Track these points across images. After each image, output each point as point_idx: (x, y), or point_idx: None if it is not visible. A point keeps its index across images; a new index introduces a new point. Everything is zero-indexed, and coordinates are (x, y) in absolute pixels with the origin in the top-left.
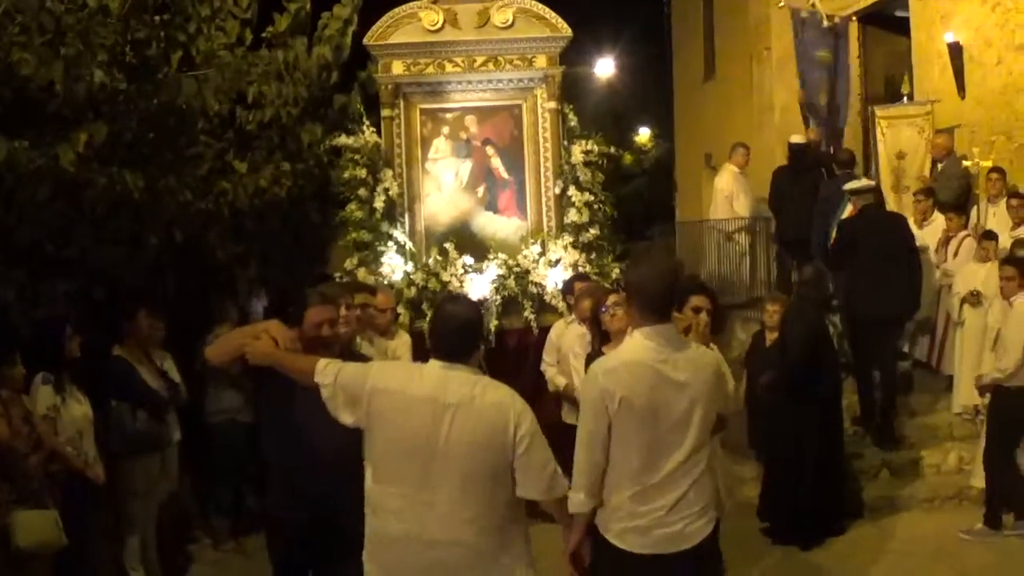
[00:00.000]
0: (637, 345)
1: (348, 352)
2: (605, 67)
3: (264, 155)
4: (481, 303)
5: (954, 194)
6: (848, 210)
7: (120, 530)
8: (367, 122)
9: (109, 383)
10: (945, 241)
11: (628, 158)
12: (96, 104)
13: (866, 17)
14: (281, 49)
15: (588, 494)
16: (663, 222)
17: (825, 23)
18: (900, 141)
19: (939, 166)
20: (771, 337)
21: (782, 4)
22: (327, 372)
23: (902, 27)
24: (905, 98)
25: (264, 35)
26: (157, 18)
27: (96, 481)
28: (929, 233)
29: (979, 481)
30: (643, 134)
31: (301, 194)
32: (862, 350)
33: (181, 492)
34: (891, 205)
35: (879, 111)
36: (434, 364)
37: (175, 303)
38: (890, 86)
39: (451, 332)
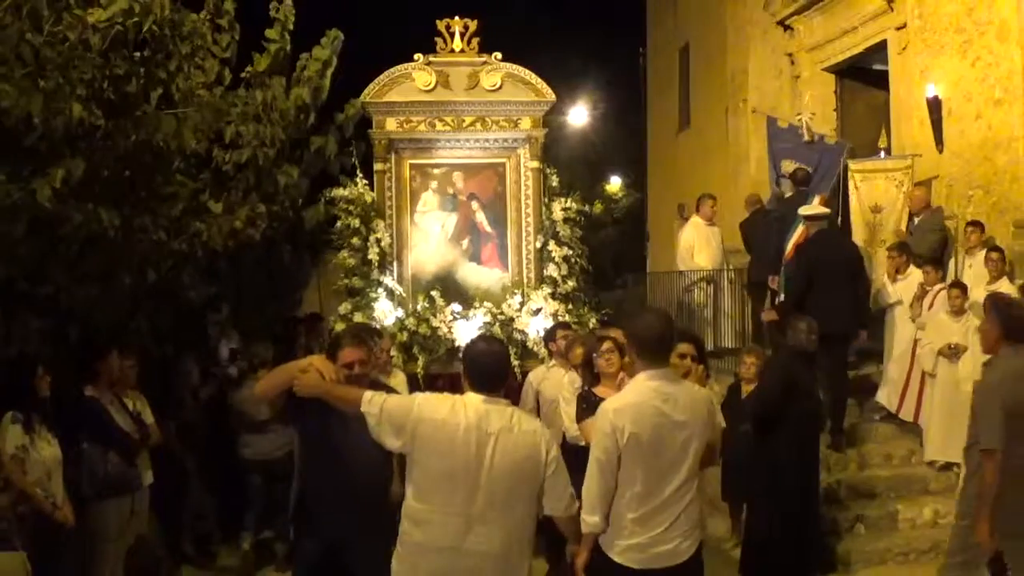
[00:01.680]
0: (641, 387)
1: (374, 384)
2: (579, 115)
3: (240, 196)
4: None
5: (931, 247)
6: (799, 231)
7: (89, 573)
8: (360, 175)
9: (80, 424)
10: (921, 295)
11: (598, 207)
12: (73, 139)
13: (844, 71)
14: (260, 89)
15: (603, 516)
16: (634, 272)
17: (806, 137)
18: (875, 195)
19: (916, 219)
20: (747, 389)
21: (754, 110)
22: (373, 403)
23: (880, 80)
24: (882, 152)
25: (243, 75)
26: (137, 54)
27: (65, 523)
28: (904, 288)
29: None
30: (614, 183)
31: (275, 236)
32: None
33: (151, 535)
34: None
35: (853, 165)
36: (474, 397)
37: (148, 343)
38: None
39: (489, 367)
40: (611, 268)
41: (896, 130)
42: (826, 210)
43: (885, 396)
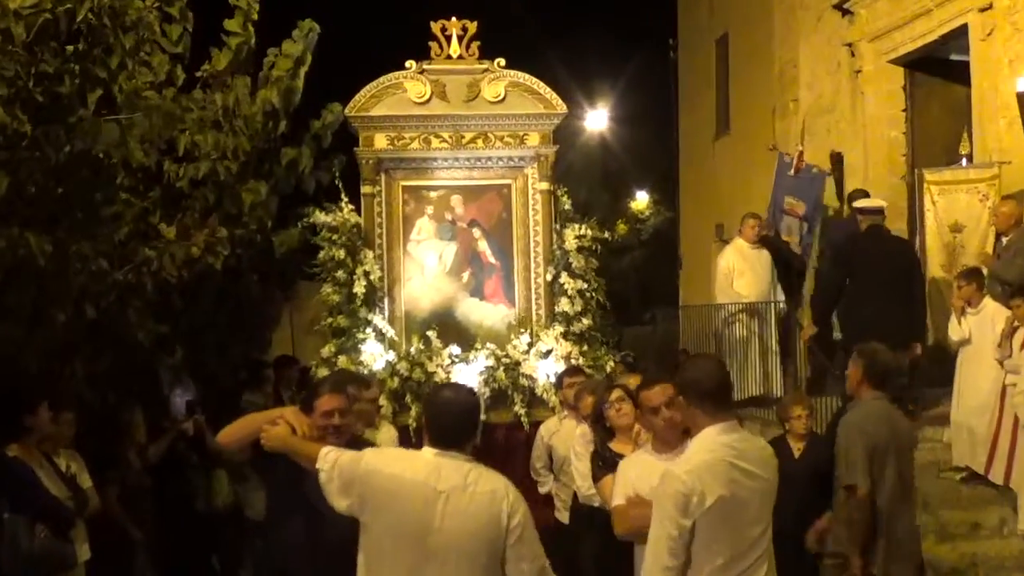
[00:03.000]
0: (711, 443)
1: (356, 441)
2: (597, 120)
3: (196, 218)
4: None
5: (1021, 273)
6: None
7: None
8: (345, 199)
9: (2, 491)
10: (1010, 331)
11: (622, 228)
12: None
13: (915, 63)
14: (219, 91)
15: None
16: (664, 305)
17: (791, 171)
18: (955, 211)
19: (1003, 240)
20: (797, 447)
21: (772, 147)
22: (328, 458)
23: (960, 73)
24: (964, 159)
25: (199, 74)
26: (71, 48)
27: None
28: (976, 323)
29: None
30: (640, 200)
31: (239, 265)
32: None
33: None
34: (942, 289)
35: (929, 175)
36: (428, 450)
37: (85, 393)
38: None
39: (446, 418)
40: (637, 300)
41: (979, 133)
42: (881, 203)
43: (968, 454)
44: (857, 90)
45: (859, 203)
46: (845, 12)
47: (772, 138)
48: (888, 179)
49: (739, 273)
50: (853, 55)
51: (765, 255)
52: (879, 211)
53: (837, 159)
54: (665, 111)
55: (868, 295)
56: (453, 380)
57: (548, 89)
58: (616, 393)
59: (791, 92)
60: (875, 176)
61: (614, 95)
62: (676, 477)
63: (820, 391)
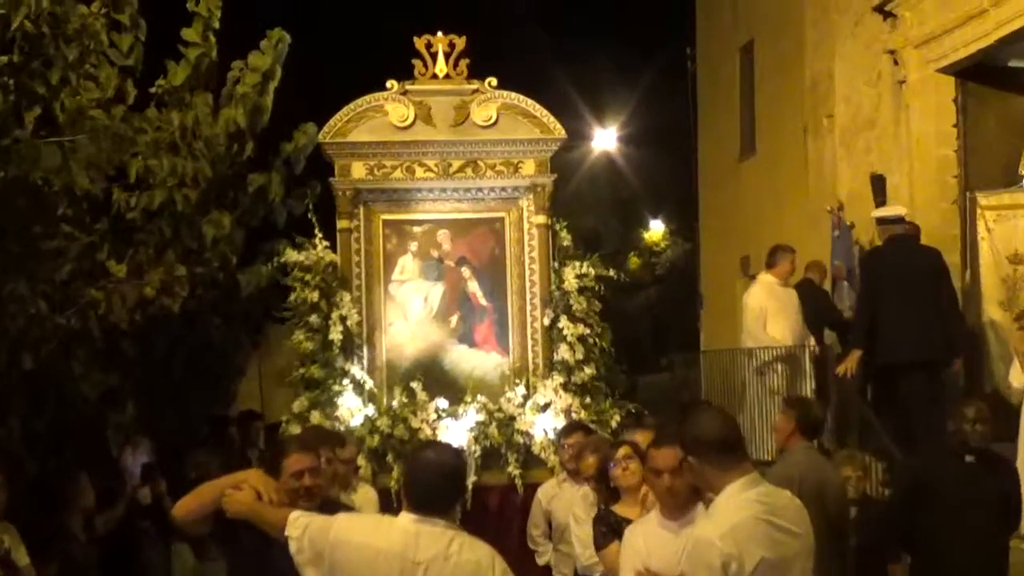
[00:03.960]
0: (738, 500)
1: (332, 504)
2: (606, 139)
3: (150, 254)
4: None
5: None
6: None
7: None
8: (319, 234)
9: None
10: None
11: (634, 261)
12: None
13: (968, 71)
14: (176, 110)
15: None
16: (683, 350)
17: (836, 231)
18: (1015, 239)
19: None
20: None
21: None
22: (298, 524)
23: (1019, 83)
24: None
25: (153, 90)
26: (4, 59)
27: None
28: None
29: None
30: (655, 230)
31: (200, 308)
32: (893, 404)
33: None
34: (1001, 331)
35: (984, 199)
36: (405, 517)
37: (22, 454)
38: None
39: (427, 481)
40: (652, 344)
41: None
42: (902, 210)
43: None
44: (901, 103)
45: (877, 212)
46: (887, 15)
47: (804, 160)
48: (937, 204)
49: (771, 314)
50: (896, 63)
51: (793, 292)
52: (899, 219)
53: (878, 182)
54: (682, 129)
55: (894, 311)
56: (440, 437)
57: (545, 112)
58: (623, 450)
59: (825, 107)
60: (922, 200)
61: (624, 112)
62: (709, 543)
63: (862, 447)
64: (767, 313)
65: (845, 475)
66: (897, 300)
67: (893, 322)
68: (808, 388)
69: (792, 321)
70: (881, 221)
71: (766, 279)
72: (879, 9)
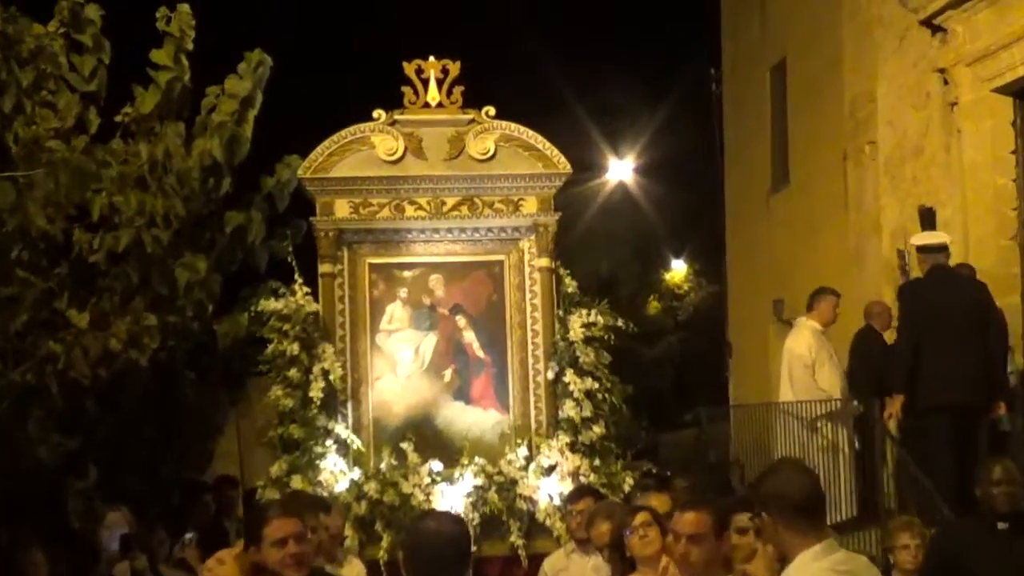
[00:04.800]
0: (812, 570)
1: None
2: (621, 170)
3: (116, 301)
4: None
5: None
6: None
7: None
8: (300, 280)
9: None
10: None
11: (654, 306)
12: None
13: None
14: (145, 141)
15: None
16: (710, 403)
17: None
18: None
19: None
20: None
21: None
22: None
23: None
24: None
25: (119, 119)
26: None
27: None
28: None
29: None
30: (677, 270)
31: (172, 361)
32: (931, 450)
33: None
34: None
35: None
36: None
37: None
38: None
39: (432, 554)
40: (674, 397)
41: None
42: (945, 237)
43: None
44: (952, 127)
45: (917, 239)
46: (935, 29)
47: (843, 192)
48: (994, 240)
49: (820, 363)
50: (947, 83)
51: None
52: (942, 248)
53: (927, 216)
54: (707, 159)
55: (934, 348)
56: (434, 502)
57: (548, 144)
58: (641, 516)
59: (867, 132)
60: (977, 236)
61: (642, 140)
62: None
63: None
64: (816, 362)
65: (902, 543)
66: (936, 337)
67: (934, 363)
68: (845, 446)
69: (837, 370)
70: (922, 249)
71: (809, 325)
72: (927, 23)
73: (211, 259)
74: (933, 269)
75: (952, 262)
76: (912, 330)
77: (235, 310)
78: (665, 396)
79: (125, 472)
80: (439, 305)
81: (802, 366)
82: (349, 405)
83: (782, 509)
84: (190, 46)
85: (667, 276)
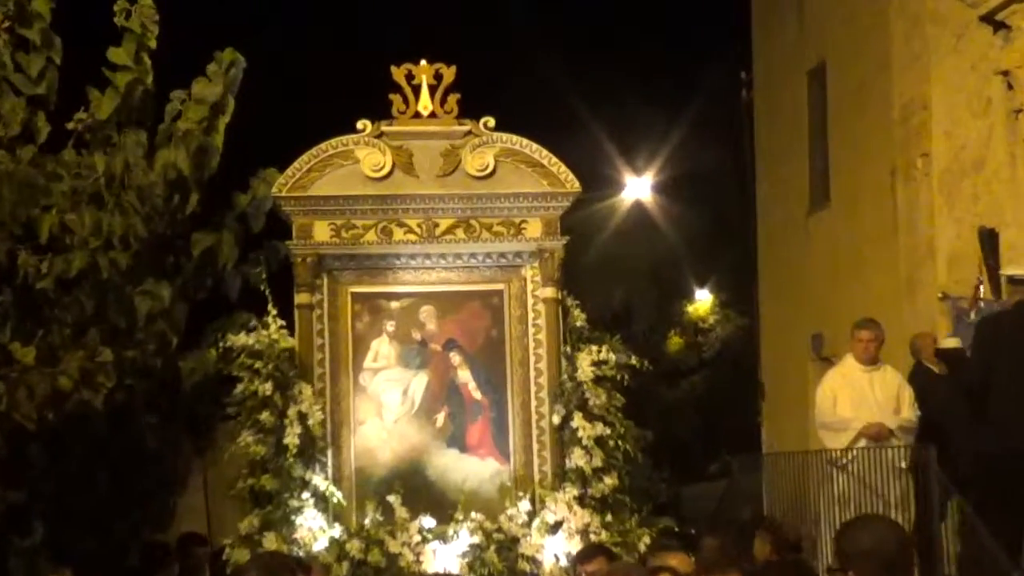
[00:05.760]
0: None
1: None
2: (639, 188)
3: (67, 334)
4: None
5: None
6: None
7: None
8: (274, 311)
9: None
10: None
11: (676, 342)
12: None
13: None
14: (101, 151)
15: None
16: (740, 451)
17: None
18: None
19: None
20: None
21: (941, 296)
22: None
23: None
24: None
25: (72, 126)
26: None
27: None
28: None
29: None
30: (701, 301)
31: (130, 402)
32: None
33: None
34: None
35: None
36: None
37: None
38: None
39: None
40: (699, 444)
41: None
42: None
43: None
44: (1018, 137)
45: (1009, 270)
46: (998, 26)
47: (892, 211)
48: None
49: (851, 402)
50: (1011, 87)
51: (889, 377)
52: None
53: (989, 239)
54: (736, 174)
55: (1014, 390)
56: (425, 564)
57: (554, 159)
58: None
59: (919, 144)
60: None
61: (662, 153)
62: None
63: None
64: (839, 399)
65: None
66: (1012, 377)
67: (1005, 402)
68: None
69: (877, 413)
70: (1013, 280)
71: (850, 362)
72: (987, 19)
73: (176, 286)
74: (1021, 304)
75: None
76: (983, 366)
77: (203, 345)
78: (688, 444)
79: (75, 529)
80: (431, 340)
81: (828, 405)
82: (329, 453)
83: (868, 567)
84: (153, 44)
85: (690, 308)
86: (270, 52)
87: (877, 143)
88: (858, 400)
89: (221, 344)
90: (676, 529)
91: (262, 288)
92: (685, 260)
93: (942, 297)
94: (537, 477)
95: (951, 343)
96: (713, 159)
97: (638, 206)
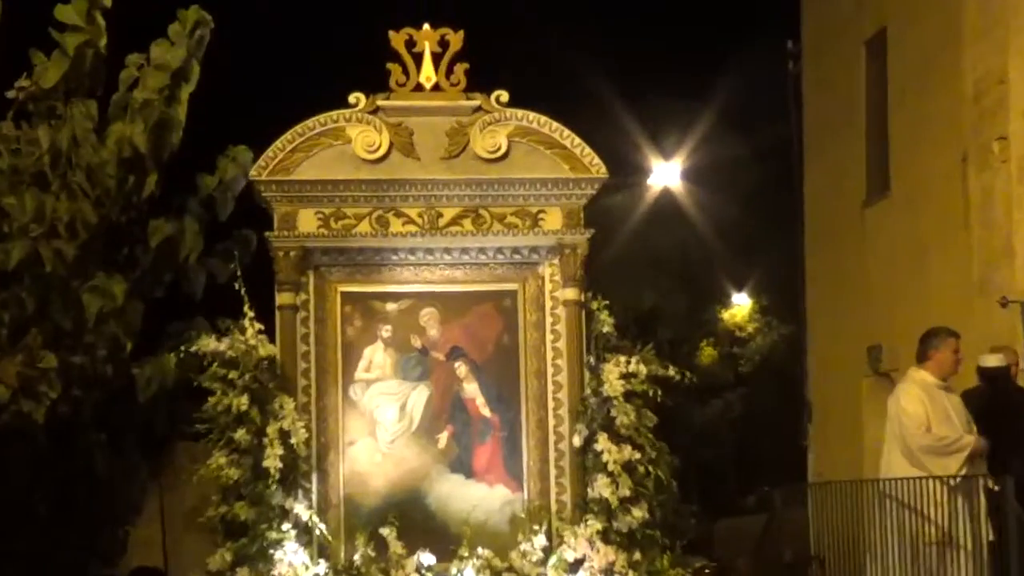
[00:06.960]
0: None
1: None
2: (667, 174)
3: (4, 335)
4: None
5: None
6: None
7: None
8: (250, 313)
9: None
10: None
11: (709, 353)
12: None
13: None
14: (45, 124)
15: None
16: (782, 481)
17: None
18: None
19: None
20: None
21: (1005, 302)
22: None
23: None
24: None
25: (11, 94)
26: None
27: None
28: None
29: None
30: (738, 306)
31: (76, 416)
32: None
33: None
34: None
35: None
36: None
37: None
38: None
39: None
40: (735, 473)
41: None
42: None
43: None
44: None
45: None
46: None
47: (963, 203)
48: None
49: (936, 424)
50: None
51: (955, 395)
52: None
53: None
54: (781, 159)
55: None
56: None
57: (577, 140)
58: None
59: (995, 125)
60: None
61: (695, 137)
62: None
63: None
64: (930, 425)
65: None
66: None
67: None
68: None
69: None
70: None
71: (921, 378)
72: None
73: (130, 282)
74: None
75: None
76: None
77: (161, 350)
78: (721, 471)
79: (10, 562)
80: (433, 348)
81: (921, 430)
82: (314, 478)
83: None
84: (108, 2)
85: (725, 314)
86: (243, 10)
87: (945, 124)
88: (944, 421)
89: (184, 349)
90: (709, 568)
91: (237, 286)
92: (720, 259)
93: (1002, 302)
94: (554, 508)
95: (993, 360)
96: (754, 141)
97: (666, 195)
